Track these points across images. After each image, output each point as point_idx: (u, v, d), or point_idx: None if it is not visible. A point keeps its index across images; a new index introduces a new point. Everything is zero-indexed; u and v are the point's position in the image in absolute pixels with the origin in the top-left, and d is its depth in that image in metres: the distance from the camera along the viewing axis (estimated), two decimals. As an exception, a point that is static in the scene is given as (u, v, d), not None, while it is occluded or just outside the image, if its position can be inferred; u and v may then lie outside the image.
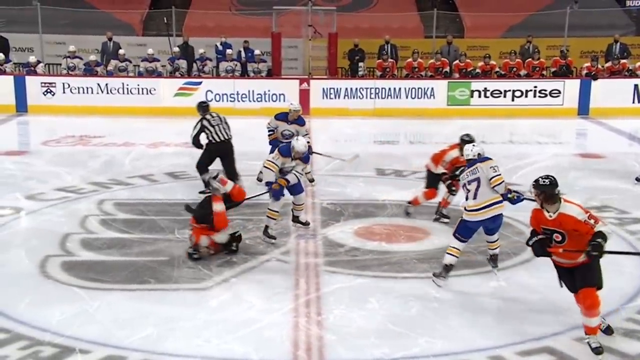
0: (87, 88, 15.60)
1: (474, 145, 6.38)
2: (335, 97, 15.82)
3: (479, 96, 15.88)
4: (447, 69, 16.27)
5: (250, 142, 10.26)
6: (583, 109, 15.81)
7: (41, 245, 6.91)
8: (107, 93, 15.61)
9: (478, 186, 6.01)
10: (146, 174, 9.93)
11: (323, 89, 15.86)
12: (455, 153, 7.25)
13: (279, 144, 8.04)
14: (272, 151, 7.69)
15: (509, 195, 6.05)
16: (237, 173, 8.79)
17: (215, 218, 6.55)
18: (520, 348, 4.91)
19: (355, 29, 18.44)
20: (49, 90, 15.56)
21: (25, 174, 10.02)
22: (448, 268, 6.05)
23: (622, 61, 16.24)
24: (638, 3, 20.47)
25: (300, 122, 8.94)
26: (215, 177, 6.92)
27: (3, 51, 16.01)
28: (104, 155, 11.36)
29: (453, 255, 6.05)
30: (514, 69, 16.22)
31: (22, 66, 16.75)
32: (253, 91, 15.76)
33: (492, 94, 15.88)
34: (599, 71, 15.91)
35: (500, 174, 6.02)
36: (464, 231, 6.07)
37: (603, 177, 10.02)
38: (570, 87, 15.83)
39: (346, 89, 15.82)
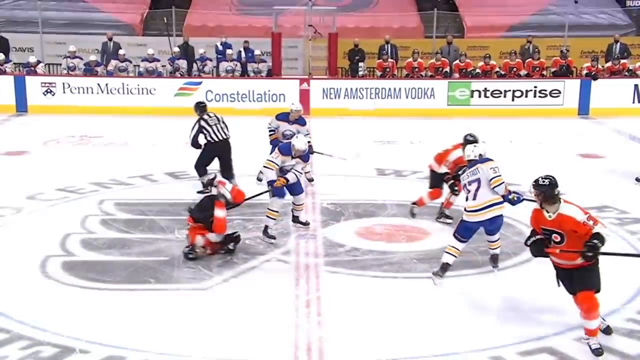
0: (87, 88, 15.61)
1: (475, 145, 6.39)
2: (335, 97, 15.83)
3: (479, 96, 15.88)
4: (447, 69, 16.27)
5: (251, 142, 10.25)
6: (583, 109, 15.81)
7: (41, 245, 6.91)
8: (107, 93, 15.61)
9: (478, 187, 6.02)
10: (146, 174, 9.93)
11: (323, 89, 15.85)
12: (458, 153, 7.21)
13: (280, 144, 8.03)
14: (272, 151, 7.69)
15: (509, 197, 6.07)
16: (232, 173, 8.80)
17: (216, 222, 6.56)
18: (520, 348, 4.91)
19: (355, 29, 18.44)
20: (49, 90, 15.56)
21: (26, 173, 10.02)
22: (445, 267, 6.06)
23: (622, 61, 16.24)
24: (638, 3, 20.47)
25: (301, 122, 8.94)
26: (212, 180, 6.92)
27: (3, 51, 16.02)
28: (104, 155, 11.37)
29: (452, 255, 6.07)
30: (514, 69, 16.22)
31: (22, 66, 16.75)
32: (253, 91, 15.76)
33: (492, 94, 15.88)
34: (599, 71, 15.92)
35: (500, 175, 6.03)
36: (463, 231, 6.08)
37: (603, 177, 10.02)
38: (571, 87, 15.83)
39: (346, 89, 15.83)
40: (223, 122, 8.90)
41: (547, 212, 4.80)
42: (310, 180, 9.26)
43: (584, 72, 16.07)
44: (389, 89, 15.82)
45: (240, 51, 16.68)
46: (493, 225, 6.14)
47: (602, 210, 8.08)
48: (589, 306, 4.72)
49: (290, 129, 8.78)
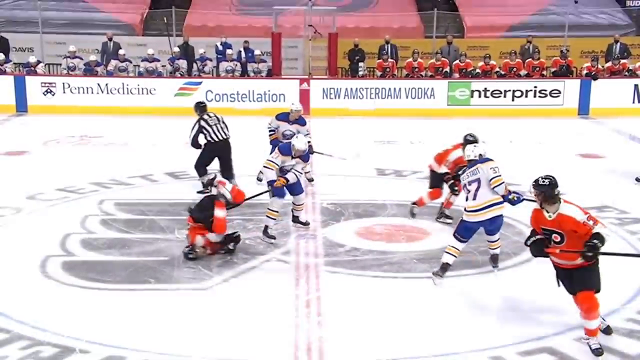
0: (87, 88, 15.61)
1: (475, 145, 6.39)
2: (335, 97, 15.83)
3: (479, 96, 15.88)
4: (447, 69, 16.27)
5: (251, 142, 10.25)
6: (583, 109, 15.81)
7: (41, 245, 6.91)
8: (107, 93, 15.61)
9: (478, 187, 6.02)
10: (146, 174, 9.93)
11: (323, 89, 15.85)
12: (459, 152, 7.20)
13: (280, 144, 8.03)
14: (272, 151, 7.69)
15: (509, 197, 6.07)
16: (232, 173, 8.80)
17: (216, 222, 6.56)
18: (520, 348, 4.91)
19: (355, 29, 18.44)
20: (49, 90, 15.56)
21: (26, 173, 10.02)
22: (445, 267, 6.06)
23: (622, 61, 16.24)
24: (638, 3, 20.47)
25: (301, 122, 8.94)
26: (212, 180, 6.92)
27: (3, 51, 16.02)
28: (104, 155, 11.37)
29: (451, 255, 6.07)
30: (514, 69, 16.22)
31: (22, 66, 16.75)
32: (253, 91, 15.76)
33: (492, 94, 15.88)
34: (599, 71, 15.91)
35: (500, 175, 6.03)
36: (463, 231, 6.09)
37: (603, 177, 10.02)
38: (570, 87, 15.82)
39: (346, 88, 15.83)
40: (223, 122, 8.90)
41: (547, 212, 4.80)
42: (310, 180, 9.26)
43: (584, 72, 16.07)
44: (389, 89, 15.82)
45: (240, 51, 16.68)
46: (493, 225, 6.15)
47: (602, 210, 8.08)
48: (589, 306, 4.72)
49: (291, 129, 8.78)
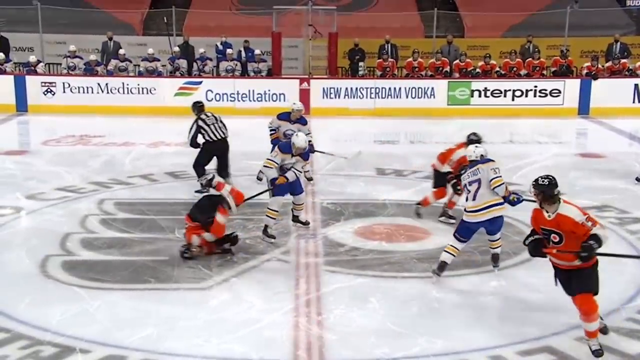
0: (87, 88, 15.61)
1: (476, 146, 6.39)
2: (336, 97, 15.83)
3: (479, 96, 15.88)
4: (448, 68, 16.26)
5: (251, 142, 10.26)
6: (583, 108, 15.80)
7: (41, 245, 6.92)
8: (107, 93, 15.61)
9: (478, 187, 6.02)
10: (146, 174, 9.93)
11: (323, 88, 15.85)
12: (462, 152, 7.17)
13: (280, 142, 8.03)
14: (272, 151, 7.69)
15: (510, 197, 6.07)
16: (229, 172, 8.80)
17: (215, 225, 6.56)
18: (520, 348, 4.91)
19: (355, 29, 18.42)
20: (49, 90, 15.56)
21: (26, 173, 10.02)
22: (443, 266, 6.06)
23: (623, 61, 16.22)
24: (638, 3, 20.46)
25: (302, 121, 8.95)
26: (211, 180, 6.91)
27: (3, 51, 16.01)
28: (104, 155, 11.36)
29: (450, 254, 6.07)
30: (514, 69, 16.22)
31: (22, 66, 16.77)
32: (253, 91, 15.76)
33: (492, 93, 15.88)
34: (599, 71, 15.90)
35: (500, 176, 6.04)
36: (463, 231, 6.09)
37: (603, 177, 10.02)
38: (571, 87, 15.82)
39: (346, 88, 15.83)
40: (221, 122, 8.90)
41: (547, 212, 4.79)
42: (310, 179, 9.26)
43: (584, 71, 16.06)
44: (389, 88, 15.81)
45: (240, 51, 16.69)
46: (493, 225, 6.15)
47: (602, 210, 8.08)
48: (587, 308, 4.71)
49: (292, 129, 8.76)
